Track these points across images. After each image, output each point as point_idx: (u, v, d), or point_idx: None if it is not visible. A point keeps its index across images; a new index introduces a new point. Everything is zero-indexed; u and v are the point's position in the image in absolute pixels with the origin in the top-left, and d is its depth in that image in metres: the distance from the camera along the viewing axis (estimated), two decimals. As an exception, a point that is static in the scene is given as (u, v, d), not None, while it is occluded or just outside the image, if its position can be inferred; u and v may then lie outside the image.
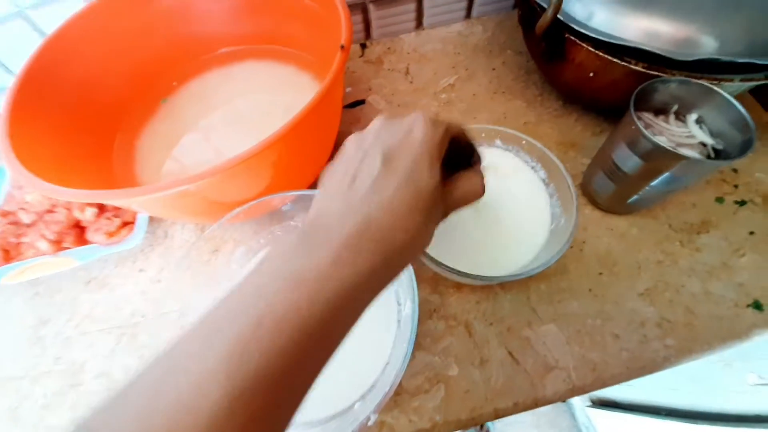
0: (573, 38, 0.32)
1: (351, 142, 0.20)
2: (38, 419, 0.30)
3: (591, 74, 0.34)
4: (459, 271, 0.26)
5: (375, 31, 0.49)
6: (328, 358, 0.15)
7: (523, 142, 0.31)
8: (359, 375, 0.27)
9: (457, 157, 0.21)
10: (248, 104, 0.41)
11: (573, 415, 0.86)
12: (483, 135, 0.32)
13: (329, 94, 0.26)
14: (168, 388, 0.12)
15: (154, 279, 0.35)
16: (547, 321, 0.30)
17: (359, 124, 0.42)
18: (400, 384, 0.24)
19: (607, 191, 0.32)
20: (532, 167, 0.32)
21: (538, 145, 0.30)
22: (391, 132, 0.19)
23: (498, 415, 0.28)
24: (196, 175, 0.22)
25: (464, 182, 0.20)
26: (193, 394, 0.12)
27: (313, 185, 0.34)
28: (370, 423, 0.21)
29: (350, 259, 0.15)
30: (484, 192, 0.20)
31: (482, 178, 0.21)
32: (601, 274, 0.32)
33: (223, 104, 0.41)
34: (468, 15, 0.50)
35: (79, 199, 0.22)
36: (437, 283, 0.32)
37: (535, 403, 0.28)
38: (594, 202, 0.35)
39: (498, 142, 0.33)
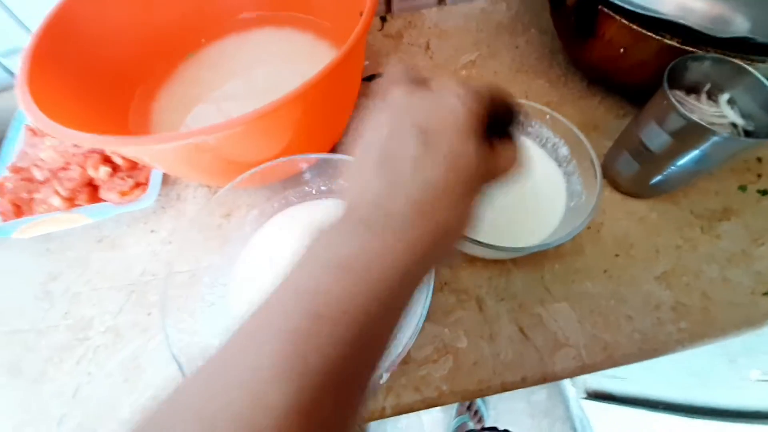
0: (606, 10, 0.31)
1: (379, 116, 0.17)
2: (40, 373, 0.30)
3: (621, 50, 0.33)
4: (476, 240, 0.25)
5: (396, 5, 0.48)
6: (386, 345, 0.15)
7: (548, 117, 0.30)
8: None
9: (496, 123, 0.19)
10: (265, 73, 0.41)
11: (567, 407, 0.86)
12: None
13: (350, 59, 0.26)
14: (219, 404, 0.11)
15: (166, 240, 0.35)
16: (559, 300, 0.30)
17: (376, 97, 0.41)
18: (408, 353, 0.24)
19: (630, 172, 0.32)
20: (553, 144, 0.31)
21: (563, 120, 0.30)
22: (425, 105, 0.17)
23: (505, 388, 0.28)
24: (214, 126, 0.22)
25: (502, 156, 0.18)
26: (250, 408, 0.10)
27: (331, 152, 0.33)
28: (381, 381, 0.20)
29: (397, 242, 0.14)
30: (523, 166, 0.19)
31: (520, 150, 0.19)
32: (617, 256, 0.31)
33: (239, 72, 0.40)
34: (492, -9, 0.49)
35: (97, 145, 0.22)
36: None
37: (544, 378, 0.28)
38: (614, 184, 0.34)
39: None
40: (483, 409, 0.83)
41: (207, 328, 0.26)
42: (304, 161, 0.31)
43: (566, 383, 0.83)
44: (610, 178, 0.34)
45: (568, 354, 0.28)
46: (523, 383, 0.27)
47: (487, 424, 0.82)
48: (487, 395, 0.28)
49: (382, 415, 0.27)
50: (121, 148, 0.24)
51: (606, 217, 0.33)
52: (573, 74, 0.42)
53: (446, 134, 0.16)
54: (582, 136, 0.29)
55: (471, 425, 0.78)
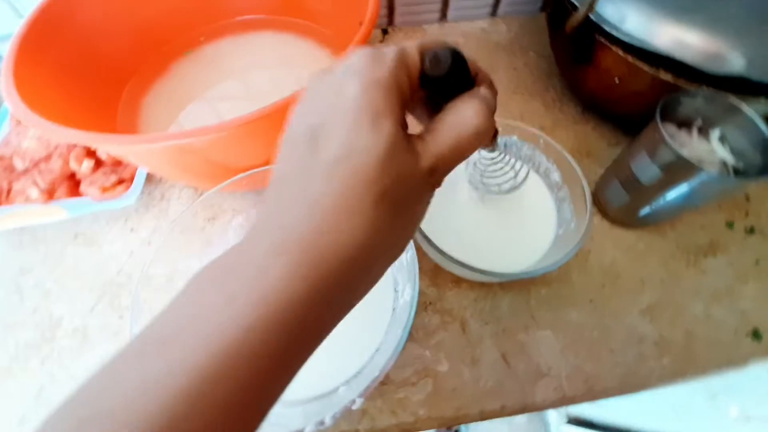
0: (603, 40, 0.31)
1: (290, 117, 0.14)
2: (5, 370, 0.29)
3: (616, 80, 0.33)
4: (462, 263, 0.25)
5: (398, 18, 0.48)
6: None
7: (541, 141, 0.30)
8: (346, 359, 0.26)
9: (444, 87, 0.15)
10: (261, 76, 0.40)
11: None
12: (500, 129, 0.31)
13: None
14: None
15: (145, 241, 0.34)
16: (544, 327, 0.29)
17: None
18: (386, 374, 0.24)
19: (620, 202, 0.32)
20: (545, 169, 0.31)
21: (557, 146, 0.30)
22: (322, 94, 0.13)
23: (483, 416, 0.27)
24: (202, 129, 0.21)
25: (452, 118, 0.13)
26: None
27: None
28: (355, 407, 0.20)
29: (270, 287, 0.11)
30: (486, 122, 0.13)
31: (481, 103, 0.14)
32: (603, 285, 0.31)
33: (236, 74, 0.40)
34: (494, 13, 0.49)
35: (76, 141, 0.21)
36: (436, 276, 0.31)
37: (524, 409, 0.27)
38: (603, 213, 0.34)
39: (515, 138, 0.32)
40: (463, 428, 0.81)
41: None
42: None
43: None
44: (600, 206, 0.34)
45: (549, 384, 0.27)
46: (502, 412, 0.27)
47: (467, 444, 0.81)
48: (465, 423, 0.27)
49: (355, 438, 0.26)
50: (103, 146, 0.23)
51: (594, 245, 0.33)
52: (568, 99, 0.42)
53: (336, 127, 0.12)
54: (574, 163, 0.28)
55: (451, 444, 0.77)
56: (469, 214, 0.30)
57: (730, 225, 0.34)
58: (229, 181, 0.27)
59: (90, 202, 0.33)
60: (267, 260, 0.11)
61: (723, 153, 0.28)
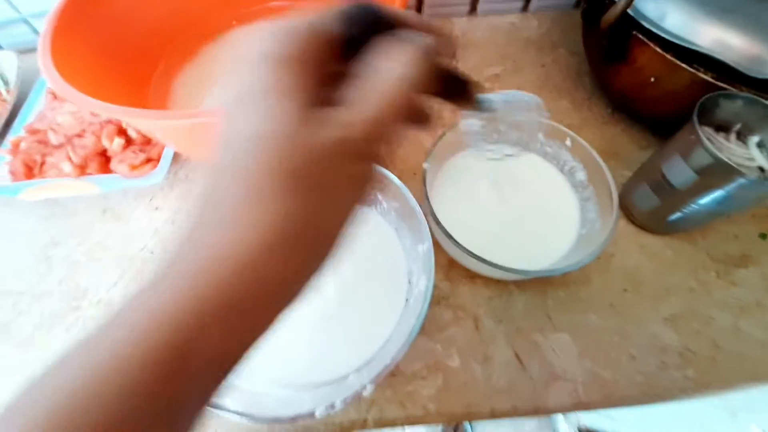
0: (640, 37, 0.30)
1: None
2: (28, 338, 0.30)
3: (652, 79, 0.32)
4: (482, 258, 0.24)
5: (427, 10, 0.47)
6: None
7: (568, 139, 0.30)
8: (357, 347, 0.26)
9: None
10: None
11: (557, 440, 0.83)
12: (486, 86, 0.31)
13: None
14: None
15: (169, 220, 0.35)
16: (560, 329, 0.29)
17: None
18: (396, 366, 0.23)
19: (648, 206, 0.30)
20: (571, 167, 0.30)
21: (585, 145, 0.29)
22: (237, 85, 0.12)
23: (494, 415, 0.26)
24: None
25: (370, 75, 0.12)
26: None
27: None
28: (365, 393, 0.20)
29: (156, 308, 0.10)
30: (413, 66, 0.11)
31: (401, 47, 0.12)
32: (625, 290, 0.30)
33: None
34: (525, 8, 0.48)
35: (110, 114, 0.22)
36: (450, 271, 0.31)
37: (536, 411, 0.26)
38: (629, 217, 0.33)
39: (540, 136, 0.31)
40: (469, 430, 0.80)
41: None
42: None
43: (558, 416, 0.81)
44: (626, 209, 0.33)
45: (564, 388, 0.27)
46: (514, 412, 0.26)
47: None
48: (474, 420, 0.26)
49: (363, 427, 0.26)
50: (133, 120, 0.23)
51: (617, 249, 0.32)
52: (598, 99, 0.41)
53: (241, 119, 0.11)
54: (602, 164, 0.28)
55: (454, 445, 0.76)
56: (489, 208, 0.30)
57: (763, 236, 0.32)
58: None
59: (119, 178, 0.34)
60: (160, 272, 0.10)
61: (761, 159, 0.26)
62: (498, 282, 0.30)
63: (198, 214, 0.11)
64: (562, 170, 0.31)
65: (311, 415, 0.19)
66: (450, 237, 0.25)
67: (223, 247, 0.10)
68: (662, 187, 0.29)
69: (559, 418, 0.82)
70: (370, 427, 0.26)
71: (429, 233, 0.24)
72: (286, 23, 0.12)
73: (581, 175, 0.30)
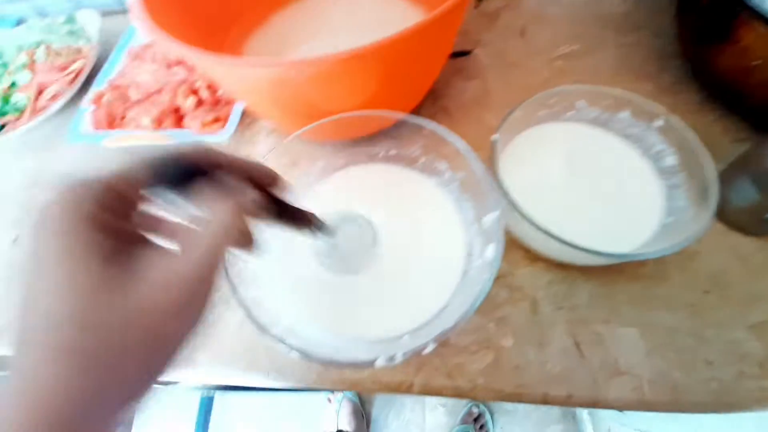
0: (747, 14, 0.26)
1: None
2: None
3: (757, 62, 0.28)
4: (555, 235, 0.23)
5: (497, -17, 0.45)
6: None
7: (660, 120, 0.27)
8: (410, 313, 0.25)
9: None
10: (354, 37, 0.40)
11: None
12: (609, 102, 0.28)
13: (444, 23, 0.24)
14: None
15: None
16: (628, 324, 0.27)
17: (460, 75, 0.40)
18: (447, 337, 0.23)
19: (745, 202, 0.27)
20: (658, 151, 0.28)
21: (682, 126, 0.26)
22: (29, 260, 0.12)
23: (547, 400, 0.25)
24: (303, 60, 0.21)
25: (187, 237, 0.13)
26: None
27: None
28: (426, 351, 0.19)
29: None
30: (233, 232, 0.13)
31: (223, 211, 0.13)
32: (707, 292, 0.27)
33: (332, 31, 0.40)
34: (607, -17, 0.44)
35: (196, 59, 0.23)
36: (509, 251, 0.30)
37: (594, 402, 0.25)
38: (720, 213, 0.29)
39: (624, 114, 0.28)
40: (490, 425, 0.79)
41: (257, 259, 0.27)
42: (379, 120, 0.30)
43: (586, 423, 0.77)
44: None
45: (627, 384, 0.25)
46: (568, 401, 0.25)
47: (491, 442, 0.79)
48: (525, 402, 0.25)
49: (409, 390, 0.26)
50: (216, 66, 0.24)
51: (702, 247, 0.29)
52: (687, 84, 0.37)
53: (36, 302, 0.11)
54: (702, 148, 0.25)
55: (474, 438, 0.75)
56: (560, 188, 0.28)
57: None
58: (316, 123, 0.28)
59: (191, 134, 0.36)
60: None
61: None
62: (561, 266, 0.29)
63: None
64: (645, 154, 0.28)
65: (371, 363, 0.19)
66: (519, 211, 0.24)
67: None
68: (766, 182, 0.25)
69: (588, 426, 0.78)
70: (416, 391, 0.26)
71: (498, 202, 0.23)
72: (78, 185, 0.12)
73: (671, 159, 0.27)
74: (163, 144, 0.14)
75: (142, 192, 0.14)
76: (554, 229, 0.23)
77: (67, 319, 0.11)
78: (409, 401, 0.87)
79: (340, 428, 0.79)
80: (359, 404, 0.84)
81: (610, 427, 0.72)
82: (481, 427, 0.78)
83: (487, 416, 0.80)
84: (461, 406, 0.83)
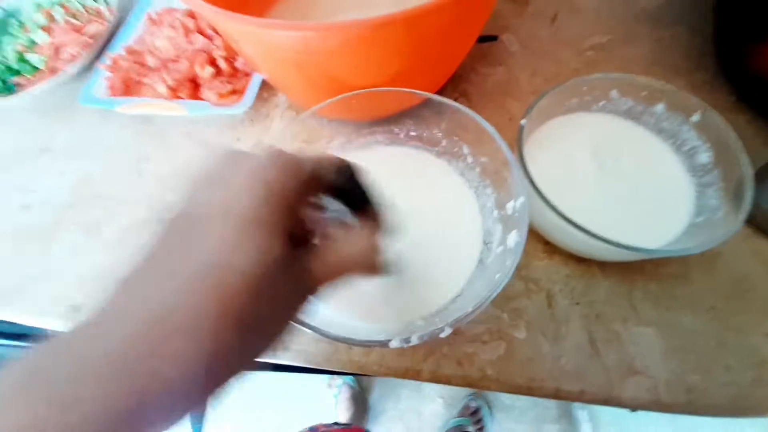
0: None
1: (188, 184, 0.13)
2: (117, 240, 0.32)
3: None
4: (580, 226, 0.22)
5: (529, -32, 0.43)
6: None
7: (697, 114, 0.26)
8: (423, 299, 0.25)
9: (346, 199, 0.16)
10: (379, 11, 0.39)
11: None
12: (644, 93, 0.27)
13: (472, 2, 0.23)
14: None
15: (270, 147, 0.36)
16: (647, 323, 0.26)
17: (484, 61, 0.38)
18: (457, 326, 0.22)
19: (776, 204, 0.26)
20: (692, 147, 0.27)
21: (721, 122, 0.25)
22: (223, 179, 0.12)
23: (558, 396, 0.25)
24: (328, 24, 0.20)
25: (343, 247, 0.14)
26: None
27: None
28: (443, 335, 0.19)
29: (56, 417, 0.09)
30: (376, 258, 0.15)
31: (372, 240, 0.15)
32: (730, 296, 0.27)
33: (357, 7, 0.39)
34: (644, -26, 0.42)
35: (222, 20, 0.22)
36: (527, 241, 0.29)
37: (607, 400, 0.24)
38: (748, 215, 0.28)
39: (659, 107, 0.27)
40: (488, 419, 0.79)
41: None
42: (403, 98, 0.29)
43: (585, 424, 0.77)
44: (745, 207, 0.29)
45: (643, 384, 0.24)
46: (581, 396, 0.24)
47: (486, 437, 0.79)
48: (536, 396, 0.25)
49: (416, 377, 0.26)
50: (242, 28, 0.23)
51: (726, 249, 0.28)
52: (721, 84, 0.36)
53: (217, 230, 0.11)
54: (740, 147, 0.24)
55: (471, 430, 0.76)
56: (585, 180, 0.27)
57: None
58: (336, 98, 0.27)
59: (207, 105, 0.35)
60: (88, 379, 0.09)
61: None
62: (580, 261, 0.28)
63: (128, 297, 0.11)
64: (677, 150, 0.27)
65: (385, 343, 0.18)
66: (544, 199, 0.23)
67: (151, 375, 0.10)
68: (804, 183, 0.24)
69: (587, 427, 0.78)
70: (424, 378, 0.26)
71: (523, 188, 0.22)
72: (293, 159, 0.13)
73: (705, 157, 0.26)
74: (324, 154, 0.15)
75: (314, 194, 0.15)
76: (578, 221, 0.23)
77: (239, 275, 0.11)
78: (407, 391, 0.87)
79: (338, 414, 0.80)
80: (359, 390, 0.85)
81: (609, 429, 0.72)
82: (478, 421, 0.78)
83: (485, 411, 0.80)
84: (459, 399, 0.83)
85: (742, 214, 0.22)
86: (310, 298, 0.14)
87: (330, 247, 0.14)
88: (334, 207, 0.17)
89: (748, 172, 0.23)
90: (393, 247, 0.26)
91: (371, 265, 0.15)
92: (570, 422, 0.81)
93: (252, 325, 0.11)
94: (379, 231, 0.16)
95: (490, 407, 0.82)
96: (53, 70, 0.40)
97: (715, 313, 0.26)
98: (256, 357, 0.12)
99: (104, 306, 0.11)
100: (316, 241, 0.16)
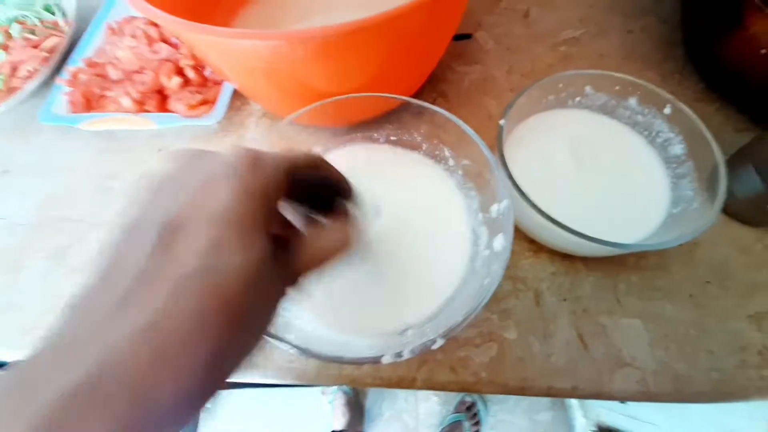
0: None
1: (137, 192, 0.12)
2: (84, 262, 0.31)
3: (764, 51, 0.28)
4: (563, 224, 0.22)
5: (500, -37, 0.43)
6: None
7: (668, 107, 0.26)
8: (412, 306, 0.24)
9: (317, 197, 0.17)
10: (350, 14, 0.38)
11: (572, 437, 0.82)
12: (617, 87, 0.27)
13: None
14: None
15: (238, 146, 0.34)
16: (631, 315, 0.26)
17: (459, 60, 0.38)
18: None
19: (747, 192, 0.27)
20: (665, 139, 0.27)
21: (690, 114, 0.25)
22: (189, 183, 0.12)
23: (551, 393, 0.25)
24: (295, 32, 0.20)
25: (318, 240, 0.15)
26: None
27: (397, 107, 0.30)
28: (435, 346, 0.18)
29: None
30: (350, 245, 0.15)
31: (346, 229, 0.16)
32: (708, 283, 0.27)
33: (322, 11, 0.38)
34: (612, -33, 0.43)
35: (183, 31, 0.21)
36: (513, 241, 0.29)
37: (597, 394, 0.25)
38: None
39: (632, 100, 0.28)
40: (483, 413, 0.80)
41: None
42: (380, 103, 0.28)
43: (576, 411, 0.79)
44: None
45: (632, 376, 0.25)
46: (573, 392, 0.25)
47: (483, 430, 0.80)
48: (529, 395, 0.25)
49: (411, 386, 0.25)
50: (207, 39, 0.22)
51: (703, 238, 0.28)
52: (690, 73, 0.37)
53: (199, 234, 0.11)
54: (710, 137, 0.24)
55: (467, 426, 0.76)
56: (564, 176, 0.27)
57: None
58: (311, 106, 0.26)
59: (177, 117, 0.33)
60: (71, 402, 0.08)
61: None
62: (564, 258, 0.28)
63: (100, 311, 0.10)
64: (652, 142, 0.28)
65: (377, 359, 0.18)
66: (527, 199, 0.23)
67: (156, 389, 0.09)
68: (774, 169, 0.25)
69: (578, 413, 0.80)
70: (418, 386, 0.25)
71: (506, 191, 0.22)
72: (266, 156, 0.13)
73: (678, 149, 0.26)
74: (291, 150, 0.15)
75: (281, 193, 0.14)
76: (559, 219, 0.23)
77: (233, 274, 0.11)
78: (402, 392, 0.87)
79: (334, 421, 0.79)
80: (353, 396, 0.84)
81: (600, 414, 0.74)
82: (474, 415, 0.79)
83: (480, 405, 0.81)
84: (454, 395, 0.84)
85: (717, 204, 0.22)
86: (290, 291, 0.14)
87: (305, 241, 0.15)
88: (305, 203, 0.17)
89: (720, 161, 0.24)
90: (380, 247, 0.26)
91: (345, 252, 0.15)
92: (562, 408, 0.82)
93: (244, 322, 0.11)
94: (351, 222, 0.16)
95: (484, 401, 0.83)
96: (11, 90, 0.37)
97: (694, 302, 0.27)
98: (247, 355, 0.12)
99: (75, 316, 0.10)
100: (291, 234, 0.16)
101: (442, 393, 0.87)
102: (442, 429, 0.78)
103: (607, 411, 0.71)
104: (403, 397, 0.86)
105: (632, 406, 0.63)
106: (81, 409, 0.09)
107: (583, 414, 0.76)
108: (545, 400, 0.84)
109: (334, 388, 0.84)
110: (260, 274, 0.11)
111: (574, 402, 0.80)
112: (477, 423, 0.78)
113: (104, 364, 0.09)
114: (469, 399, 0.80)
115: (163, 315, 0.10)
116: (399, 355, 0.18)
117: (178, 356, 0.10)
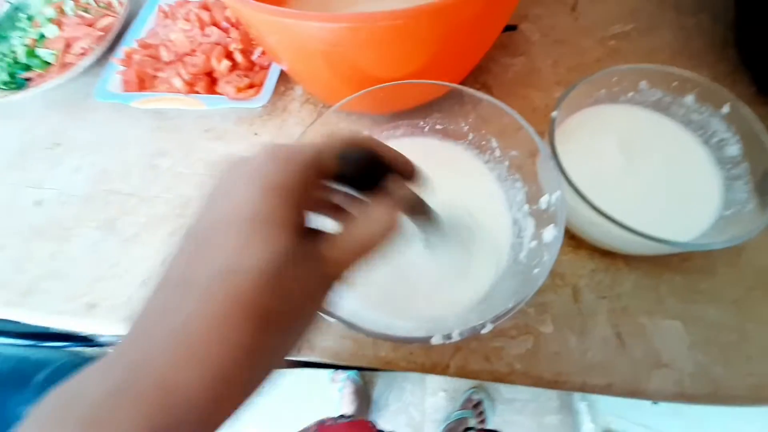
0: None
1: (200, 204, 0.13)
2: (134, 235, 0.32)
3: None
4: (615, 219, 0.22)
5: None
6: None
7: (727, 106, 0.25)
8: (457, 292, 0.25)
9: (363, 179, 0.15)
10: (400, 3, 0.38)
11: (580, 439, 0.82)
12: (675, 84, 0.27)
13: None
14: None
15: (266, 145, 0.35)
16: (672, 317, 0.26)
17: (504, 51, 0.38)
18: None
19: (804, 198, 0.26)
20: (721, 139, 0.26)
21: (749, 114, 0.25)
22: (224, 191, 0.13)
23: (585, 389, 0.25)
24: (356, 15, 0.20)
25: (359, 227, 0.14)
26: None
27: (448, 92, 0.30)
28: (484, 331, 0.19)
29: None
30: (395, 228, 0.14)
31: (391, 210, 0.14)
32: (753, 288, 0.27)
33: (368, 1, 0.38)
34: (666, -39, 0.41)
35: (248, 11, 0.21)
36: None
37: (633, 393, 0.25)
38: (772, 208, 0.28)
39: (689, 98, 0.27)
40: (489, 412, 0.80)
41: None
42: (428, 91, 0.28)
43: (584, 416, 0.79)
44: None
45: (669, 376, 0.25)
46: (608, 390, 0.25)
47: (489, 428, 0.80)
48: (563, 390, 0.25)
49: (444, 372, 0.26)
50: (270, 17, 0.22)
51: (750, 243, 0.28)
52: (742, 74, 0.35)
53: (223, 238, 0.11)
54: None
55: (473, 422, 0.77)
56: (613, 172, 0.27)
57: None
58: (361, 92, 0.26)
59: (225, 99, 0.34)
60: (107, 402, 0.09)
61: None
62: (604, 255, 0.28)
63: (147, 320, 0.11)
64: (706, 142, 0.27)
65: (427, 340, 0.18)
66: (578, 193, 0.23)
67: (183, 384, 0.10)
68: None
69: (586, 419, 0.80)
70: (451, 373, 0.26)
71: (558, 182, 0.22)
72: (289, 150, 0.13)
73: (734, 149, 0.26)
74: (339, 134, 0.15)
75: (324, 179, 0.14)
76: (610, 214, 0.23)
77: (252, 275, 0.11)
78: (410, 385, 0.88)
79: (342, 408, 0.81)
80: (362, 385, 0.86)
81: (609, 421, 0.73)
82: (480, 413, 0.79)
83: (486, 403, 0.81)
84: (461, 392, 0.85)
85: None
86: (334, 286, 0.13)
87: (344, 231, 0.14)
88: (343, 191, 0.16)
89: (781, 167, 0.23)
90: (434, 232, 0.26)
91: (389, 241, 0.14)
92: (570, 413, 0.82)
93: (273, 321, 0.11)
94: (398, 203, 0.15)
95: (491, 400, 0.83)
96: (64, 65, 0.39)
97: (738, 307, 0.26)
98: (286, 354, 0.12)
99: (131, 329, 0.11)
100: (331, 226, 0.15)
101: (449, 389, 0.87)
102: (448, 424, 0.79)
103: (617, 418, 0.70)
104: (409, 390, 0.87)
105: (643, 414, 0.62)
106: (114, 408, 0.09)
107: (591, 419, 0.76)
108: (553, 404, 0.84)
109: (344, 375, 0.86)
110: (284, 273, 0.11)
111: (582, 407, 0.80)
112: (483, 421, 0.78)
113: (136, 364, 0.10)
114: (476, 397, 0.81)
115: (192, 317, 0.10)
116: (448, 336, 0.18)
117: (204, 357, 0.10)
